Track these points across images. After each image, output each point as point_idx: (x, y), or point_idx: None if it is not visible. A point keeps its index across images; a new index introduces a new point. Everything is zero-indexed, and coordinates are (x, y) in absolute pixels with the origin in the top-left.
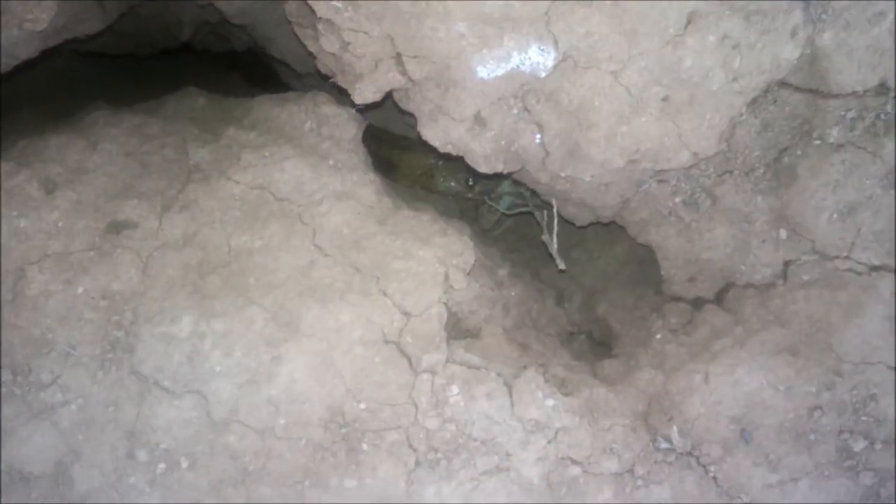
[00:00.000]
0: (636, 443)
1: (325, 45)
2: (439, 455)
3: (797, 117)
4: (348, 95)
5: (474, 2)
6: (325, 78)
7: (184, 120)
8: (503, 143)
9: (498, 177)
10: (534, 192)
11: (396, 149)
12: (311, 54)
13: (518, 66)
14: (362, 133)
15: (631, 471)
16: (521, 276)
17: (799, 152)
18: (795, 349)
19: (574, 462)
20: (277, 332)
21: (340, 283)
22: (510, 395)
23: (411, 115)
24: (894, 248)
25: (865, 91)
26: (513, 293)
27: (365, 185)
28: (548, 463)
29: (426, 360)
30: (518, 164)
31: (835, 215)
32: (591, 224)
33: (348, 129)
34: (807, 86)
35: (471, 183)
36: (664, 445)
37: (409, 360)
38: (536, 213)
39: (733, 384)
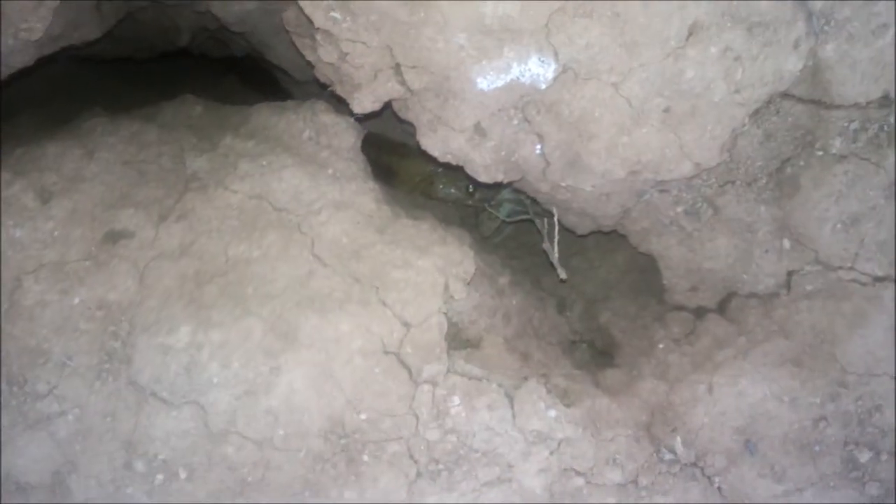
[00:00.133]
0: (639, 454)
1: (324, 55)
2: (440, 466)
3: (800, 128)
4: (347, 104)
5: (474, 13)
6: (324, 86)
7: (181, 128)
8: (503, 153)
9: (498, 185)
10: (534, 200)
11: (396, 155)
12: (309, 63)
13: (518, 78)
14: (361, 141)
15: (634, 482)
16: (522, 284)
17: (802, 163)
18: (799, 360)
19: (577, 473)
20: (276, 343)
21: (339, 293)
22: (511, 405)
23: (410, 123)
24: None
25: (868, 102)
26: (514, 302)
27: (364, 194)
28: (550, 474)
29: (426, 371)
30: (518, 173)
31: (838, 226)
32: (593, 233)
33: (347, 137)
34: (809, 97)
35: (471, 190)
36: (668, 456)
37: (410, 370)
38: (537, 221)
39: (737, 395)
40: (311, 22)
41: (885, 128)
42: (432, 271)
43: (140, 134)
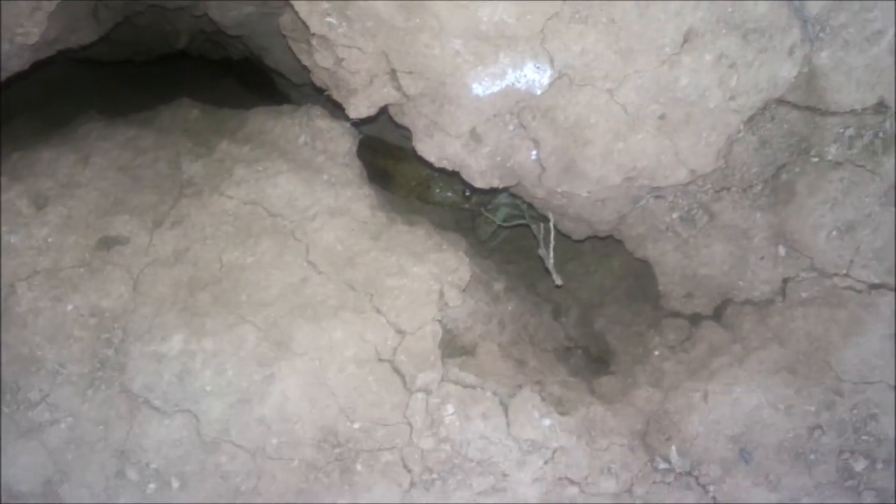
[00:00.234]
0: (634, 463)
1: (320, 61)
2: (434, 476)
3: (795, 135)
4: (343, 109)
5: (469, 19)
6: (320, 91)
7: (177, 132)
8: (499, 158)
9: (494, 189)
10: (530, 205)
11: (392, 159)
12: (305, 68)
13: (514, 84)
14: (357, 146)
15: (629, 491)
16: (518, 289)
17: (797, 169)
18: (794, 368)
19: (572, 482)
20: (269, 351)
21: (333, 301)
22: (506, 414)
23: (406, 128)
24: (894, 266)
25: (864, 109)
26: (509, 308)
27: (359, 200)
28: (545, 483)
29: (421, 379)
30: (514, 179)
31: (833, 233)
32: (588, 238)
33: (343, 143)
34: (805, 103)
35: (467, 194)
36: (663, 465)
37: (404, 378)
38: (533, 226)
39: (732, 403)
40: (307, 27)
41: (881, 134)
42: (427, 278)
43: (136, 139)
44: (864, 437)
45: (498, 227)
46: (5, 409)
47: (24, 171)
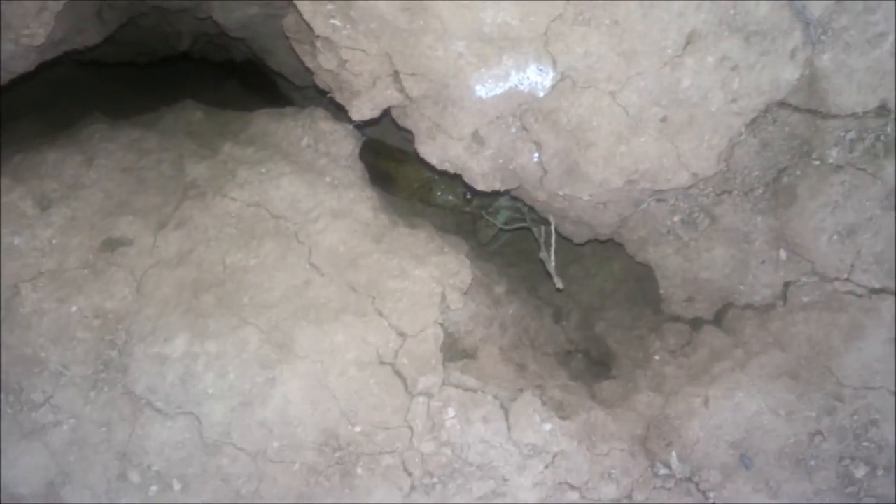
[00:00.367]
0: (635, 468)
1: (323, 62)
2: (435, 480)
3: (796, 137)
4: (346, 111)
5: (473, 21)
6: (323, 93)
7: (181, 134)
8: (501, 161)
9: (495, 192)
10: (531, 208)
11: (394, 161)
12: (308, 70)
13: (516, 86)
14: (360, 148)
15: (629, 497)
16: (519, 292)
17: (798, 172)
18: (795, 373)
19: (572, 487)
20: (271, 354)
21: (336, 303)
22: (507, 418)
23: (409, 130)
24: (895, 270)
25: (865, 112)
26: (510, 311)
27: (361, 202)
28: (545, 488)
29: (422, 383)
30: (516, 182)
31: (834, 236)
32: (590, 241)
33: (346, 145)
34: (806, 106)
35: (468, 197)
36: (663, 471)
37: (405, 382)
38: (534, 230)
39: (733, 408)
40: (310, 29)
41: (882, 138)
42: (429, 281)
43: (140, 141)
44: (864, 444)
45: (499, 231)
46: (8, 411)
47: (28, 172)
